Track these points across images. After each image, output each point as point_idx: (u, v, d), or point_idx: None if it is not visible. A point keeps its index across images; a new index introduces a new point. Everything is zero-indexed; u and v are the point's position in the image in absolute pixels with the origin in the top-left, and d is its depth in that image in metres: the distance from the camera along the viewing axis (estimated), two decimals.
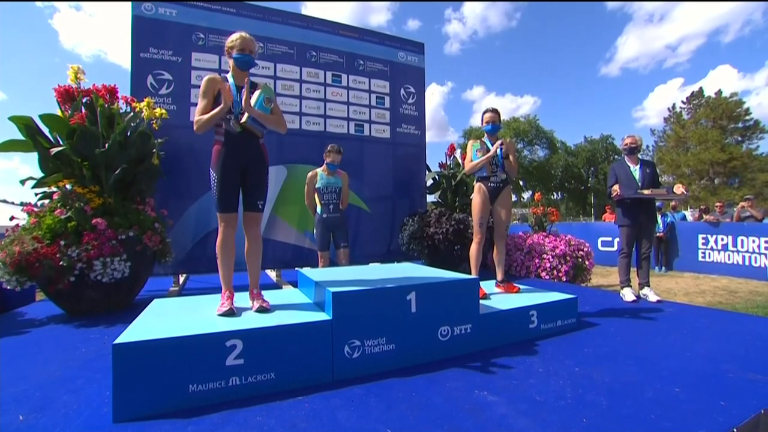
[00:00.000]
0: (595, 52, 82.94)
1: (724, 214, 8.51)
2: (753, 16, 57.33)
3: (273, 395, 1.72)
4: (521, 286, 3.22)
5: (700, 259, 7.76)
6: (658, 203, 5.91)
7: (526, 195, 37.90)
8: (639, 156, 3.98)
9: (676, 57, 72.40)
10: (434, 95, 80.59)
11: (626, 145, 3.97)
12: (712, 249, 7.57)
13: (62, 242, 2.82)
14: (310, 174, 3.96)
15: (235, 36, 2.19)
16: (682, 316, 3.08)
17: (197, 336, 1.66)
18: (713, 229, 7.59)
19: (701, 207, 12.52)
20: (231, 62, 2.23)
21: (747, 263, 7.01)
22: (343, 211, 4.02)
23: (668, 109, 34.65)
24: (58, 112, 3.27)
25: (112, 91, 3.51)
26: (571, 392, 1.73)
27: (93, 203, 3.04)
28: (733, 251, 7.25)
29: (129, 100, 3.70)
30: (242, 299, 2.28)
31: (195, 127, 2.12)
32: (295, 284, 3.08)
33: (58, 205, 2.95)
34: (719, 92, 30.39)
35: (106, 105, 3.44)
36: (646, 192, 3.64)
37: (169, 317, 1.98)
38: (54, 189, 3.12)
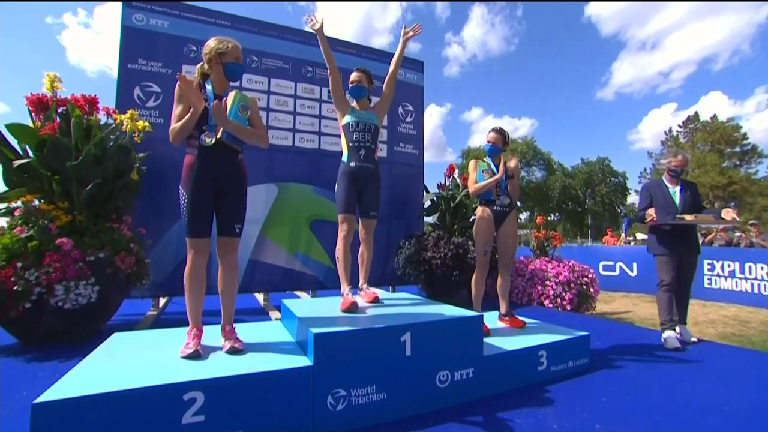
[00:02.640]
0: (590, 77, 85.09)
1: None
2: (741, 47, 59.33)
3: None
4: (527, 320, 2.94)
5: (705, 285, 7.49)
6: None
7: (523, 216, 37.81)
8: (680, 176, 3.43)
9: (669, 83, 74.44)
10: (433, 116, 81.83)
11: (675, 166, 3.37)
12: (718, 275, 7.31)
13: (19, 264, 2.54)
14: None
15: (226, 41, 1.96)
16: (707, 356, 2.80)
17: (147, 389, 1.37)
18: (719, 254, 7.36)
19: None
20: (215, 68, 2.00)
21: (756, 291, 6.75)
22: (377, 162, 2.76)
23: (665, 132, 35.28)
24: (30, 123, 3.04)
25: (92, 102, 3.29)
26: None
27: (59, 221, 2.78)
28: (740, 278, 6.99)
29: (110, 111, 3.49)
30: (213, 334, 2.00)
31: (170, 137, 1.88)
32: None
33: (19, 222, 2.69)
34: (714, 117, 30.90)
35: (84, 116, 3.22)
36: (688, 217, 3.10)
37: (122, 359, 1.69)
38: (18, 204, 2.85)
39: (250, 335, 2.07)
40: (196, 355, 1.71)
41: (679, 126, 34.27)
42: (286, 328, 2.33)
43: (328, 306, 2.31)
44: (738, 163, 29.12)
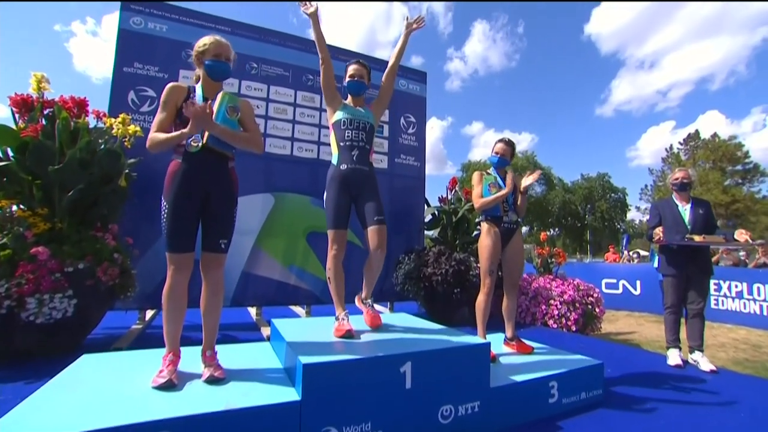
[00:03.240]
0: (590, 94, 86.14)
1: None
2: (737, 68, 60.35)
3: None
4: (534, 344, 2.75)
5: (712, 306, 7.28)
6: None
7: (522, 230, 37.71)
8: (690, 194, 3.33)
9: (667, 101, 75.43)
10: (434, 129, 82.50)
11: (677, 180, 3.31)
12: (725, 296, 7.11)
13: None
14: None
15: (207, 39, 1.84)
16: (728, 387, 2.59)
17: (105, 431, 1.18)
18: (726, 274, 7.17)
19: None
20: (200, 71, 1.87)
21: (765, 313, 6.54)
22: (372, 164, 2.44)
23: (665, 149, 35.47)
24: (14, 125, 2.88)
25: (81, 104, 3.15)
26: None
27: (37, 228, 2.60)
28: (749, 299, 6.79)
29: (101, 114, 3.34)
30: (194, 357, 1.80)
31: (147, 144, 1.73)
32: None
33: None
34: (715, 135, 31.11)
35: (72, 119, 3.07)
36: (697, 238, 2.99)
37: (85, 388, 1.50)
38: None
39: (234, 359, 1.88)
40: (170, 386, 1.52)
41: (680, 143, 34.58)
42: (274, 350, 2.14)
43: (321, 328, 2.12)
44: (740, 181, 29.21)
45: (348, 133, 2.31)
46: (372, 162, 2.44)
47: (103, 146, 3.23)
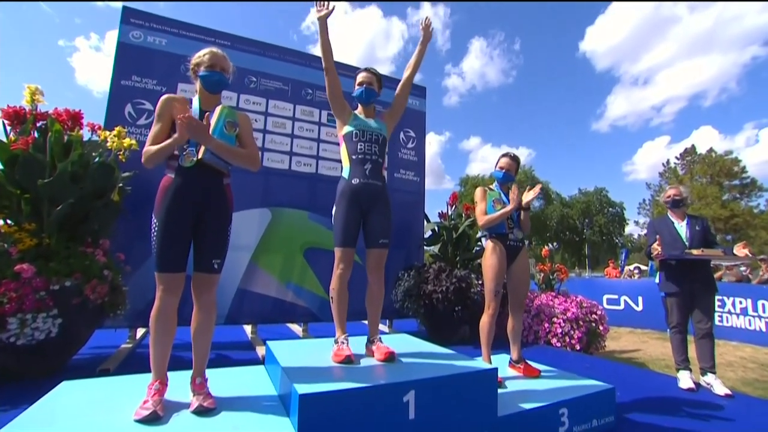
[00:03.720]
0: (586, 109, 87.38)
1: None
2: (728, 84, 61.71)
3: None
4: (541, 367, 2.63)
5: (717, 323, 7.14)
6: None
7: None
8: (685, 210, 3.34)
9: (662, 117, 76.56)
10: (432, 144, 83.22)
11: (668, 197, 3.34)
12: (729, 313, 7.00)
13: None
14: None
15: (203, 51, 1.79)
16: (750, 415, 2.47)
17: None
18: (730, 290, 7.08)
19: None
20: (197, 84, 1.82)
21: None
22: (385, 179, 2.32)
23: (662, 164, 35.77)
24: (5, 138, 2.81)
25: (75, 117, 3.09)
26: None
27: (22, 244, 2.50)
28: (753, 316, 6.68)
29: (95, 127, 3.28)
30: (182, 383, 1.68)
31: (142, 159, 1.65)
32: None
33: None
34: (711, 150, 31.46)
35: (66, 132, 3.00)
36: (695, 252, 2.95)
37: (61, 421, 1.38)
38: None
39: (225, 385, 1.76)
40: (154, 418, 1.40)
41: (677, 158, 34.88)
42: (269, 375, 2.02)
43: (319, 351, 2.01)
44: (738, 196, 29.41)
45: (360, 146, 2.20)
46: (385, 176, 2.33)
47: (97, 159, 3.16)
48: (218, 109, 1.73)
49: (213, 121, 1.68)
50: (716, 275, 8.15)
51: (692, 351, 3.22)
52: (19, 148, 2.59)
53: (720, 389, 2.88)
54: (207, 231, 1.68)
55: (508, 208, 2.56)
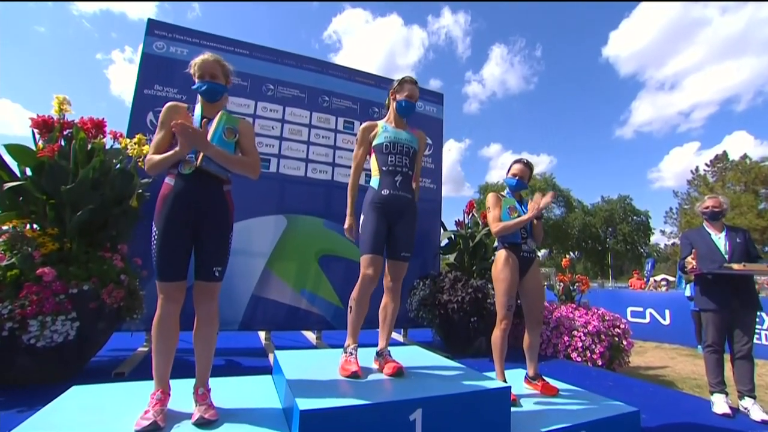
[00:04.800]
0: (609, 115, 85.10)
1: None
2: (764, 87, 58.74)
3: None
4: (559, 385, 2.50)
5: (755, 341, 6.73)
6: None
7: (540, 253, 36.76)
8: (723, 222, 3.11)
9: (690, 123, 73.68)
10: (451, 151, 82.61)
11: (707, 208, 3.11)
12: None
13: None
14: (365, 125, 2.35)
15: (194, 60, 1.78)
16: None
17: None
18: None
19: None
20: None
21: None
22: (417, 192, 2.42)
23: (691, 171, 34.30)
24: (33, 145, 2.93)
25: (99, 125, 3.19)
26: None
27: (45, 248, 2.57)
28: None
29: (117, 135, 3.38)
30: (186, 392, 1.66)
31: (146, 167, 1.67)
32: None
33: (2, 249, 2.49)
34: (745, 156, 29.95)
35: (90, 139, 3.11)
36: (736, 266, 2.72)
37: (65, 428, 1.38)
38: (6, 228, 2.68)
39: (230, 396, 1.74)
40: (154, 429, 1.39)
41: (707, 165, 33.33)
42: (275, 386, 1.99)
43: (327, 362, 1.97)
44: None
45: (391, 158, 2.21)
46: (414, 189, 2.35)
47: (117, 166, 3.25)
48: (218, 116, 1.74)
49: (212, 127, 1.68)
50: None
51: (727, 371, 3.01)
52: (46, 155, 2.69)
53: (758, 414, 2.67)
54: (207, 239, 1.67)
55: (527, 215, 2.45)
